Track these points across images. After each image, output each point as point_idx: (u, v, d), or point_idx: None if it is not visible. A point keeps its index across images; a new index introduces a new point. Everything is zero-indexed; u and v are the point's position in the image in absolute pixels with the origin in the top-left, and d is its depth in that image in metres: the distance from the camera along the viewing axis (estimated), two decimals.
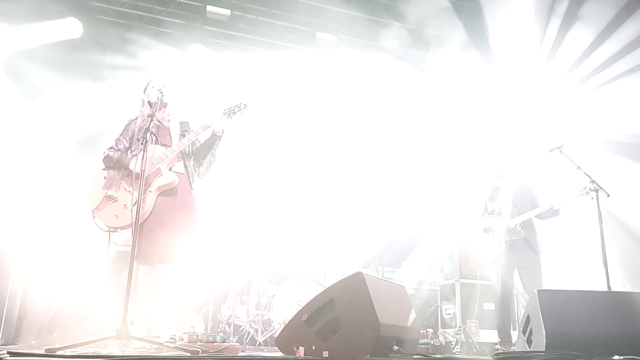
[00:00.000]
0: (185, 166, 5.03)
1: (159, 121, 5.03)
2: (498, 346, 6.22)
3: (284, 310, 6.79)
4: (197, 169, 5.15)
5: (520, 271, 6.29)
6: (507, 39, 8.63)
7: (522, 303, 7.59)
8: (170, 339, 4.26)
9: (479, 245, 6.58)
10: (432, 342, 6.16)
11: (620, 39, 7.99)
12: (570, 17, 8.18)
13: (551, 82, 9.08)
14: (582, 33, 8.16)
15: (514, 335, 6.42)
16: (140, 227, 4.52)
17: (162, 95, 4.85)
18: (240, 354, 4.84)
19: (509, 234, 6.28)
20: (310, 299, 4.38)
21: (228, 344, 4.50)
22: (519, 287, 6.95)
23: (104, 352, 3.67)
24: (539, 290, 4.09)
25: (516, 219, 6.30)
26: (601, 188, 5.41)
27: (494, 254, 6.32)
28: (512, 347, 5.96)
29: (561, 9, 8.19)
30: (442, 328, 7.89)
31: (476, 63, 9.15)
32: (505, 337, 6.18)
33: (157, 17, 9.02)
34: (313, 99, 9.49)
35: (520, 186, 6.56)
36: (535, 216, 6.31)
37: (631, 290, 7.77)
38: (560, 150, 5.73)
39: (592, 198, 5.42)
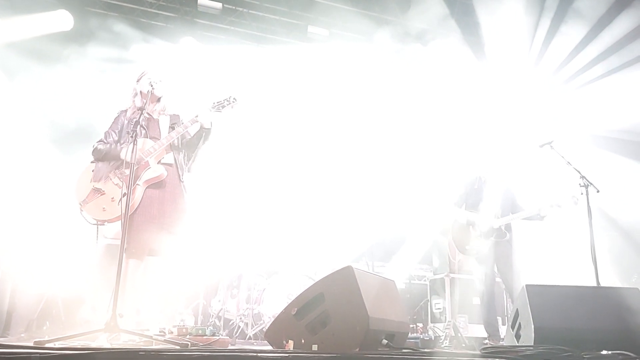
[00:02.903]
0: (175, 159, 5.01)
1: (149, 114, 5.01)
2: (487, 341, 6.24)
3: (274, 304, 6.80)
4: (187, 162, 5.13)
5: (497, 264, 6.27)
6: (498, 35, 8.64)
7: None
8: (160, 332, 4.25)
9: (459, 240, 6.54)
10: (421, 337, 6.19)
11: (609, 37, 8.01)
12: (561, 15, 8.19)
13: (541, 79, 9.09)
14: (572, 31, 8.17)
15: (503, 330, 6.44)
16: (129, 220, 4.50)
17: (153, 89, 4.83)
18: (230, 347, 4.84)
19: (492, 233, 6.24)
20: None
21: (217, 338, 4.50)
22: None
23: (93, 345, 3.66)
24: (527, 285, 4.09)
25: (501, 219, 6.25)
26: (591, 184, 5.39)
27: (478, 248, 6.28)
28: (500, 342, 5.98)
29: (552, 6, 8.20)
30: (431, 322, 7.92)
31: (467, 59, 9.15)
32: (492, 331, 6.18)
33: (148, 9, 8.97)
34: (304, 93, 9.46)
35: (508, 188, 6.50)
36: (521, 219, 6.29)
37: (621, 286, 7.81)
38: (551, 146, 5.70)
39: (582, 194, 5.42)
